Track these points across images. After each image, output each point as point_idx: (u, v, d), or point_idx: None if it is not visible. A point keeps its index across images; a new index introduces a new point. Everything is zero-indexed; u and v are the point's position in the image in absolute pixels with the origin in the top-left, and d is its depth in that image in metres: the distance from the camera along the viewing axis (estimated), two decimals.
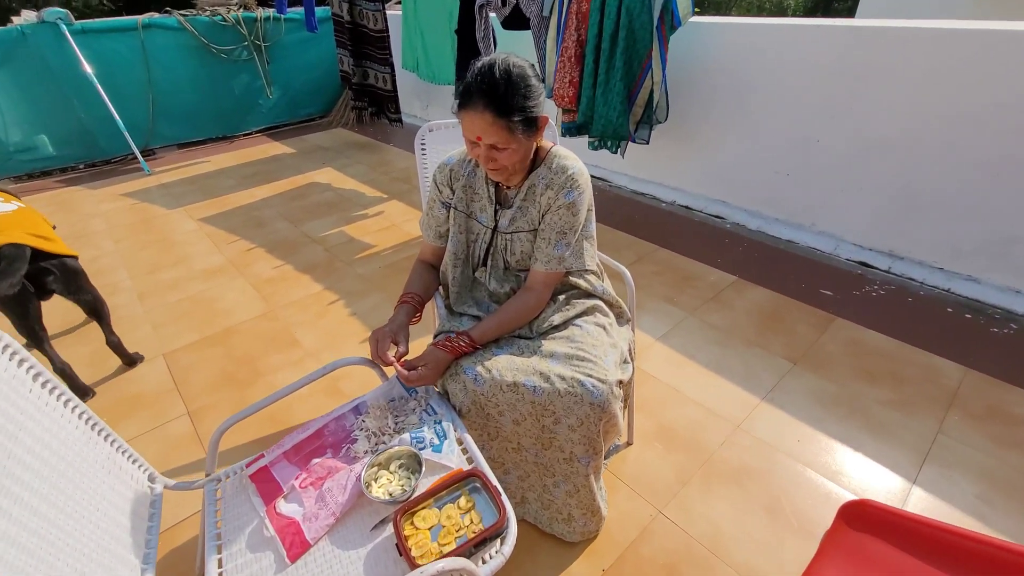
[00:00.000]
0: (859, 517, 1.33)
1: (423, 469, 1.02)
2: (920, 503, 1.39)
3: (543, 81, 3.11)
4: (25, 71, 3.95)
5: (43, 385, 0.83)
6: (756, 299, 2.26)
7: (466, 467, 1.05)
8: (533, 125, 1.07)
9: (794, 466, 1.51)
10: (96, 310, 1.94)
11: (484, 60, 1.05)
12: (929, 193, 2.21)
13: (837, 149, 2.43)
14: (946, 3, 4.81)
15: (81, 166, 4.42)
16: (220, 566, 0.94)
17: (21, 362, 0.80)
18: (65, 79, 4.03)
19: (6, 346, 0.78)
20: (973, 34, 1.94)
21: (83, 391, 1.87)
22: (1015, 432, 1.58)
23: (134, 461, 1.01)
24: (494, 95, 1.01)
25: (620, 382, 1.15)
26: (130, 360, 2.03)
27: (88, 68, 3.89)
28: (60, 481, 0.78)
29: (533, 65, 1.09)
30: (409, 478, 1.02)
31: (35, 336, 1.76)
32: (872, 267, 2.44)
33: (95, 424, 0.92)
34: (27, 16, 3.92)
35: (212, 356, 2.07)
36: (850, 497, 1.39)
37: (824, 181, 2.54)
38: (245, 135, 5.19)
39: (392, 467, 1.05)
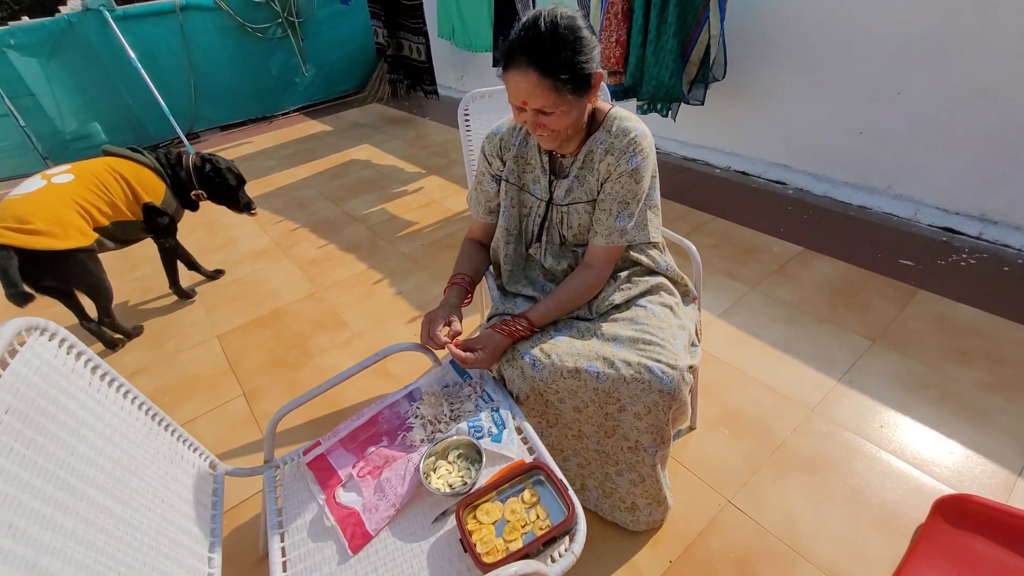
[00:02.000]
0: (958, 512, 1.21)
1: (484, 459, 0.97)
2: None
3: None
4: (75, 60, 4.06)
5: (102, 378, 0.82)
6: (825, 271, 2.09)
7: (527, 457, 0.99)
8: (585, 84, 0.96)
9: (878, 455, 1.38)
10: (93, 297, 1.98)
11: (529, 14, 0.94)
12: None
13: (922, 101, 2.18)
14: None
15: None
16: (284, 555, 0.93)
17: (79, 356, 0.79)
18: (112, 66, 4.13)
19: (63, 340, 0.76)
20: None
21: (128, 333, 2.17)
22: None
23: (195, 449, 1.00)
24: (539, 51, 0.90)
25: (691, 367, 1.06)
26: (111, 343, 2.10)
27: (132, 54, 3.95)
28: (125, 475, 0.77)
29: (585, 15, 0.96)
30: (469, 469, 0.98)
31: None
32: (960, 233, 2.21)
33: (155, 415, 0.91)
34: (72, 4, 4.00)
35: (262, 338, 2.09)
36: (945, 490, 1.27)
37: (904, 138, 2.29)
38: (283, 115, 5.22)
39: (451, 457, 1.01)
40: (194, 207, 2.32)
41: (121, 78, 4.19)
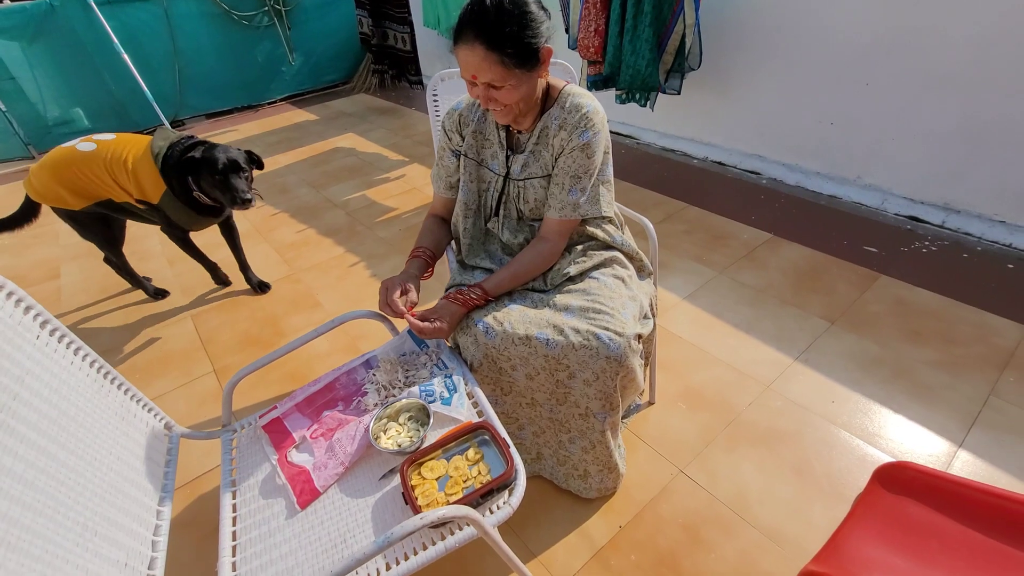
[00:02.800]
0: (896, 479, 1.25)
1: (431, 421, 1.00)
2: (966, 468, 1.30)
3: (567, 31, 2.95)
4: (57, 45, 4.02)
5: (51, 333, 0.84)
6: (792, 257, 2.13)
7: (476, 420, 1.02)
8: (533, 58, 0.98)
9: (827, 428, 1.43)
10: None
11: None
12: (994, 135, 2.00)
13: (889, 92, 2.22)
14: None
15: None
16: (234, 511, 0.95)
17: (28, 309, 0.81)
18: (95, 51, 4.09)
19: (10, 293, 0.78)
20: None
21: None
22: None
23: (149, 410, 1.02)
24: (484, 25, 0.93)
25: (639, 336, 1.09)
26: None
27: (116, 39, 3.92)
28: (71, 425, 0.79)
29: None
30: (418, 430, 1.01)
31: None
32: (924, 222, 2.26)
33: (107, 373, 0.93)
34: None
35: (237, 317, 2.11)
36: (887, 460, 1.31)
37: (873, 129, 2.33)
38: (270, 103, 5.20)
39: (401, 419, 1.03)
40: (212, 211, 1.98)
41: (104, 64, 4.16)
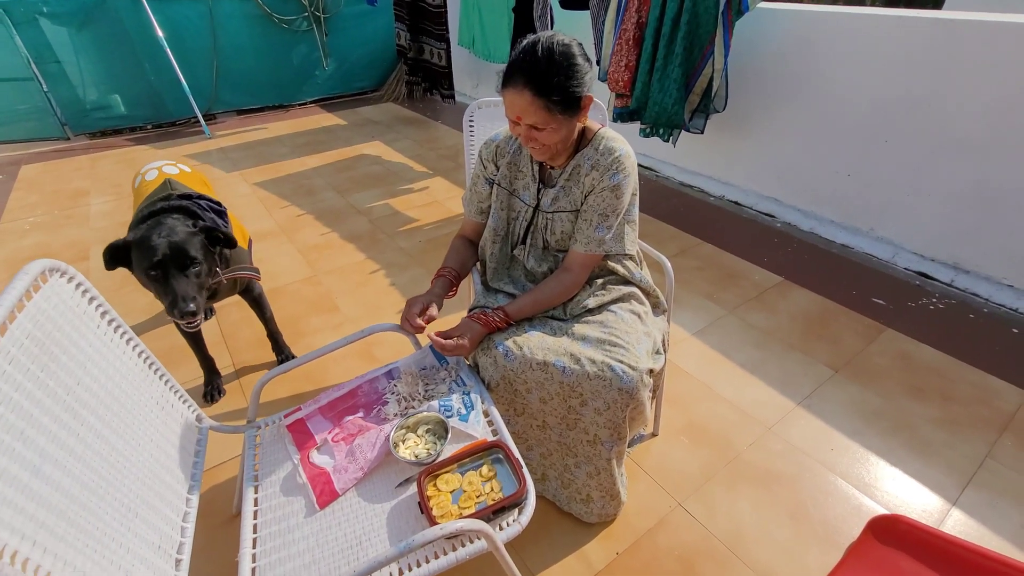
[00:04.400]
0: (889, 532, 1.29)
1: (449, 436, 1.05)
2: (957, 526, 1.33)
3: (598, 63, 3.06)
4: (104, 33, 4.18)
5: (109, 323, 0.90)
6: (801, 303, 2.18)
7: (491, 438, 1.07)
8: (576, 105, 1.05)
9: (825, 475, 1.46)
10: None
11: (529, 39, 1.04)
12: (1007, 201, 2.06)
13: (907, 149, 2.29)
14: None
15: (149, 126, 4.67)
16: (256, 504, 1.00)
17: (92, 300, 0.87)
18: (139, 42, 4.25)
19: (79, 284, 0.84)
20: None
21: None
22: None
23: (184, 401, 1.08)
24: (534, 73, 1.00)
25: (651, 371, 1.14)
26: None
27: (160, 32, 4.07)
28: (121, 411, 0.85)
29: (581, 44, 1.07)
30: (435, 443, 1.06)
31: None
32: (932, 279, 2.30)
33: (152, 364, 0.99)
34: None
35: None
36: (882, 512, 1.34)
37: (888, 183, 2.39)
38: (300, 105, 5.34)
39: (420, 431, 1.09)
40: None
41: (146, 54, 4.31)
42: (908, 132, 2.26)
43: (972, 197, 2.15)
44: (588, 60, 1.07)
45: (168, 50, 4.13)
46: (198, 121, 4.50)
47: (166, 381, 1.03)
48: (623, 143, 1.18)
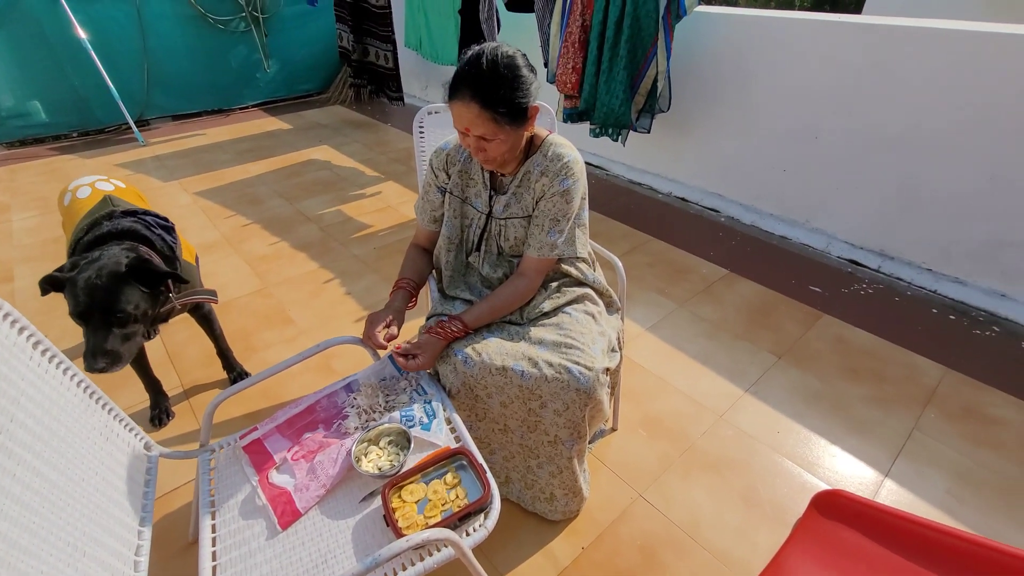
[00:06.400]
0: (831, 506, 1.38)
1: (411, 446, 1.05)
2: (891, 495, 1.44)
3: (545, 65, 3.10)
4: (18, 35, 3.87)
5: (43, 353, 0.85)
6: (746, 293, 2.30)
7: (454, 445, 1.08)
8: (522, 116, 1.07)
9: (772, 456, 1.56)
10: None
11: (474, 50, 1.05)
12: (925, 193, 2.24)
13: (836, 146, 2.45)
14: (955, 2, 4.78)
15: (74, 134, 4.37)
16: (214, 531, 0.97)
17: (21, 330, 0.82)
18: (59, 44, 3.96)
19: (7, 314, 0.79)
20: (981, 36, 1.94)
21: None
22: (989, 431, 1.63)
23: (130, 429, 1.03)
24: (480, 86, 1.01)
25: (607, 370, 1.18)
26: None
27: (82, 33, 3.81)
28: (60, 446, 0.80)
29: (525, 55, 1.08)
30: (398, 454, 1.06)
31: None
32: (862, 266, 2.48)
33: (93, 392, 0.94)
34: None
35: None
36: (824, 487, 1.44)
37: (820, 178, 2.56)
38: (241, 109, 5.13)
39: (382, 443, 1.08)
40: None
41: (68, 57, 4.02)
42: (835, 130, 2.43)
43: (894, 190, 2.33)
44: (532, 70, 1.09)
45: (92, 52, 3.88)
46: (129, 128, 4.25)
47: (109, 410, 0.98)
48: (571, 149, 1.21)
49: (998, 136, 1.99)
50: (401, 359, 1.15)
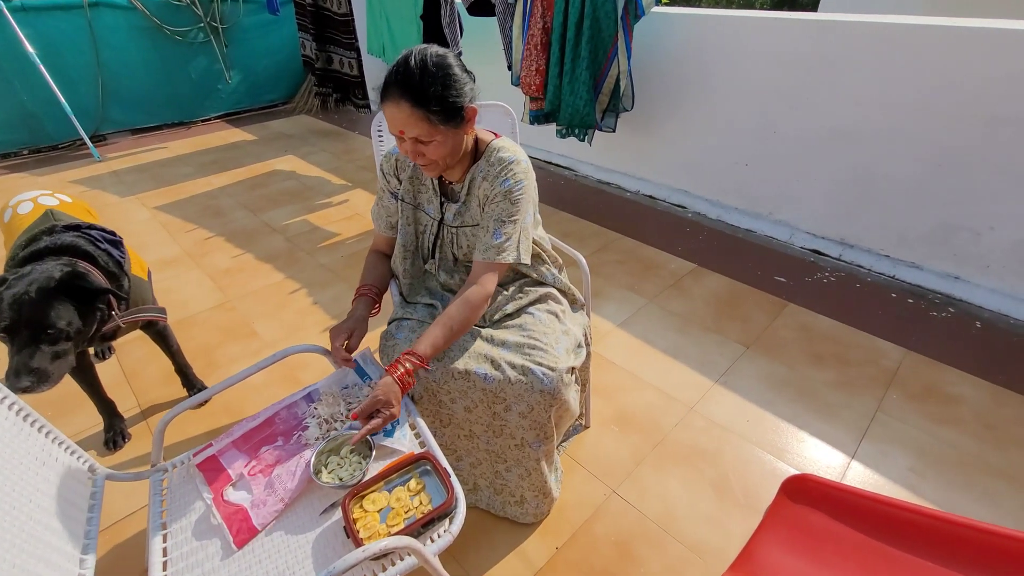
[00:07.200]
0: (800, 491, 1.39)
1: (373, 453, 1.02)
2: (857, 477, 1.47)
3: (509, 68, 3.10)
4: None
5: None
6: (714, 286, 2.32)
7: (418, 451, 1.06)
8: (457, 116, 1.04)
9: (743, 445, 1.57)
10: None
11: (403, 52, 1.03)
12: (879, 182, 2.31)
13: (794, 139, 2.51)
14: (901, 2, 4.97)
15: (25, 151, 4.19)
16: (165, 555, 0.93)
17: None
18: (4, 59, 3.81)
19: None
20: (922, 29, 2.01)
21: None
22: (948, 409, 1.68)
23: (72, 452, 0.98)
24: (409, 85, 0.99)
25: (572, 369, 1.17)
26: None
27: (30, 48, 3.68)
28: None
29: (459, 55, 1.07)
30: (360, 463, 1.03)
31: None
32: (824, 255, 2.54)
33: (27, 415, 0.89)
34: None
35: None
36: (794, 472, 1.46)
37: (781, 171, 2.61)
38: (203, 121, 5.01)
39: (343, 452, 1.05)
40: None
41: (15, 72, 3.87)
42: (793, 124, 2.48)
43: (851, 180, 2.39)
44: (467, 72, 1.06)
45: (42, 67, 3.74)
46: (84, 144, 4.10)
47: (47, 433, 0.93)
48: (515, 150, 1.17)
49: (942, 125, 2.06)
50: (372, 425, 1.01)
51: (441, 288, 1.31)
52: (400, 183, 1.25)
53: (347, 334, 1.16)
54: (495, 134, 1.22)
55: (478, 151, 1.18)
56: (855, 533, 1.17)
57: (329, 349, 1.18)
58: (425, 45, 1.03)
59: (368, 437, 1.04)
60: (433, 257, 1.28)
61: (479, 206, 1.18)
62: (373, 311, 1.27)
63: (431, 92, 0.99)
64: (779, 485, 1.30)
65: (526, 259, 1.20)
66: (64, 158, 4.11)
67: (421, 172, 1.24)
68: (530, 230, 1.24)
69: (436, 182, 1.22)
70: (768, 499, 1.43)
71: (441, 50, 1.03)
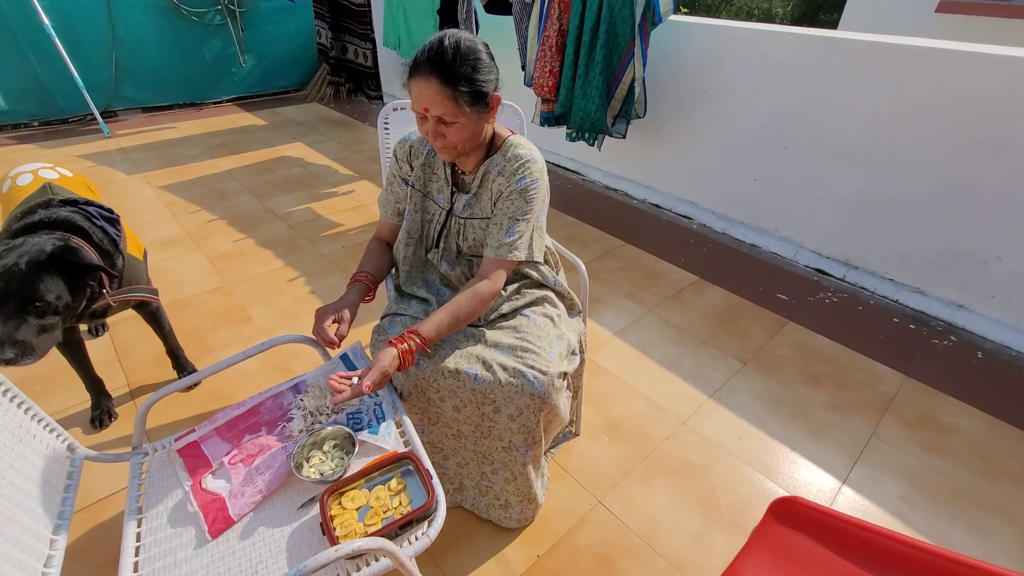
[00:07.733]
0: (788, 513, 1.37)
1: (356, 450, 1.01)
2: (847, 502, 1.45)
3: (523, 68, 3.09)
4: None
5: None
6: (714, 300, 2.30)
7: (403, 449, 1.04)
8: (482, 101, 1.05)
9: (732, 462, 1.55)
10: None
11: (436, 34, 1.03)
12: (886, 205, 2.28)
13: (803, 157, 2.48)
14: (919, 24, 4.93)
15: (35, 123, 4.20)
16: (138, 540, 0.91)
17: None
18: (21, 31, 3.81)
19: None
20: (938, 53, 1.99)
21: None
22: (943, 439, 1.65)
23: (51, 430, 0.97)
24: (441, 63, 0.99)
25: (564, 374, 1.15)
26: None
27: (46, 20, 3.68)
28: None
29: (487, 44, 1.07)
30: (342, 458, 1.01)
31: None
32: (828, 275, 2.51)
33: (7, 390, 0.88)
34: None
35: None
36: (782, 494, 1.44)
37: (789, 188, 2.59)
38: (215, 103, 5.01)
39: (326, 447, 1.04)
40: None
41: (30, 43, 3.87)
42: (803, 141, 2.46)
43: (857, 200, 2.36)
44: (494, 61, 1.07)
45: (56, 40, 3.74)
46: (95, 119, 4.10)
47: (26, 409, 0.91)
48: (531, 149, 1.18)
49: (953, 149, 2.04)
50: (361, 389, 0.99)
51: (440, 281, 1.29)
52: (412, 170, 1.24)
53: (333, 315, 1.14)
54: (511, 131, 1.21)
55: (494, 144, 1.18)
56: (842, 561, 1.15)
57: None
58: (456, 30, 1.04)
59: (352, 433, 1.03)
60: (437, 247, 1.27)
61: (490, 199, 1.18)
62: (367, 297, 1.25)
63: (462, 72, 0.99)
64: (767, 506, 1.27)
65: (539, 257, 1.23)
66: (73, 132, 4.11)
67: (434, 161, 1.23)
68: (543, 229, 1.25)
69: (448, 171, 1.22)
70: (754, 519, 1.41)
71: (472, 36, 1.03)
